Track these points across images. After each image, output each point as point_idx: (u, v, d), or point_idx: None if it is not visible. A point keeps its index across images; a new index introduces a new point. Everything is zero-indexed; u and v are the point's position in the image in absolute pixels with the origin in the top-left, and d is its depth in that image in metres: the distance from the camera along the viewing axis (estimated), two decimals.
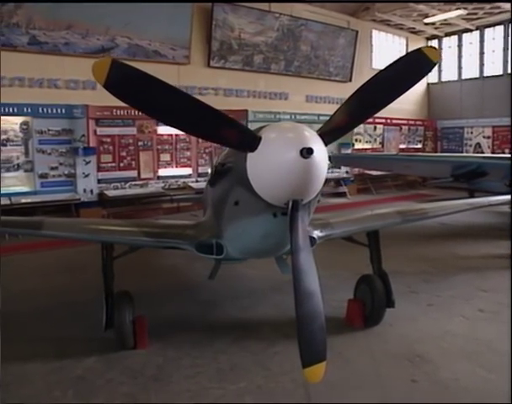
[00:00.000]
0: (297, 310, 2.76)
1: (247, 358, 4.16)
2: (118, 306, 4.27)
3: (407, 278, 6.45)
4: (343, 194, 15.47)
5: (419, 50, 3.04)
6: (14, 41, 9.99)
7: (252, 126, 13.49)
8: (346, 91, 16.67)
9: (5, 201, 9.61)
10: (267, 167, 2.76)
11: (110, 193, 11.48)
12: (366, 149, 16.72)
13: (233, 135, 2.84)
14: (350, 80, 16.08)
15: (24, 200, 9.96)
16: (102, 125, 11.45)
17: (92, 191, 11.29)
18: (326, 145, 2.93)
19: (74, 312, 5.29)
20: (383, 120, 17.04)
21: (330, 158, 10.43)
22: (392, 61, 3.14)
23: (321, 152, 2.74)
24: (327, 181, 15.72)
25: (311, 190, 2.83)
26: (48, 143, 10.60)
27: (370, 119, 16.59)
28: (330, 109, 15.33)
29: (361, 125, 16.54)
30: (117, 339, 4.29)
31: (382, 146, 17.35)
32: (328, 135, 2.95)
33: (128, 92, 2.69)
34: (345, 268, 6.46)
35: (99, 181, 11.52)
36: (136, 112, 11.83)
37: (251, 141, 2.82)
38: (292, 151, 2.61)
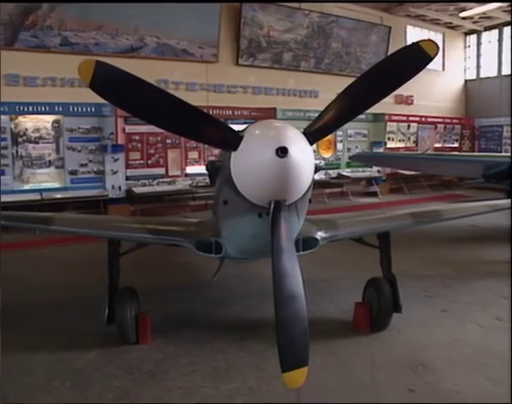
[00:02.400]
0: (277, 313, 2.70)
1: (244, 359, 4.14)
2: (120, 302, 4.34)
3: (425, 281, 6.25)
4: (374, 194, 15.16)
5: (417, 43, 2.91)
6: (47, 43, 10.38)
7: None
8: None
9: (36, 196, 10.04)
10: (247, 166, 2.72)
11: (138, 189, 11.70)
12: (399, 148, 16.25)
13: (215, 133, 2.82)
14: None
15: (54, 196, 10.33)
16: (130, 123, 11.66)
17: (120, 188, 11.54)
18: (311, 144, 2.85)
19: (87, 306, 5.41)
20: (417, 119, 16.52)
21: (352, 157, 10.22)
22: (387, 56, 3.03)
23: (301, 152, 2.66)
24: (358, 180, 15.46)
25: (292, 190, 2.75)
26: (78, 141, 10.93)
27: (404, 118, 16.18)
28: None
29: (394, 124, 16.14)
30: (119, 334, 4.36)
31: (416, 145, 16.79)
32: (313, 134, 2.87)
33: (112, 92, 2.72)
34: (363, 269, 6.29)
35: (128, 178, 11.75)
36: None
37: (233, 140, 2.79)
38: (268, 151, 2.56)
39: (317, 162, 3.26)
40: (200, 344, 4.43)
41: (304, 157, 2.69)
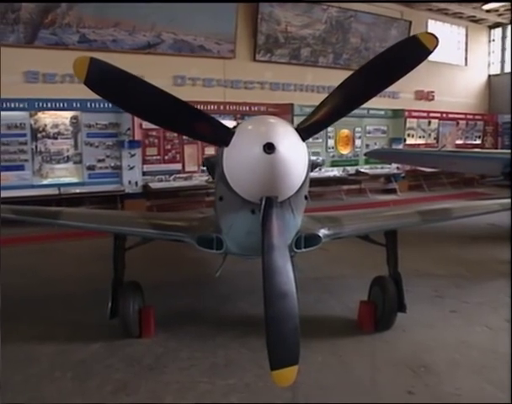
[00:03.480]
0: (267, 310, 2.69)
1: (244, 355, 4.13)
2: (124, 296, 4.40)
3: (436, 280, 6.13)
4: (393, 191, 14.94)
5: (415, 36, 2.83)
6: (66, 40, 10.57)
7: (298, 120, 13.15)
8: (399, 84, 15.83)
9: (54, 191, 10.24)
10: (237, 162, 2.72)
11: (154, 185, 11.80)
12: (419, 144, 15.94)
13: (207, 129, 2.83)
14: None
15: (72, 191, 10.52)
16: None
17: (136, 183, 11.66)
18: (304, 140, 2.81)
19: (96, 299, 5.44)
20: (438, 115, 16.17)
21: (368, 153, 10.03)
22: (384, 50, 2.97)
23: (290, 148, 2.62)
24: (377, 177, 15.23)
25: (282, 187, 2.72)
26: (95, 136, 11.09)
27: (424, 114, 15.85)
28: (381, 103, 14.95)
29: (414, 120, 15.84)
30: (121, 327, 4.42)
31: (437, 141, 16.43)
32: (307, 130, 2.83)
33: (106, 88, 2.76)
34: (375, 267, 6.18)
35: (144, 173, 11.86)
36: None
37: (225, 136, 2.79)
38: (256, 147, 2.54)
39: (314, 158, 3.24)
40: (201, 339, 4.45)
41: (294, 154, 2.66)
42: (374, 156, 12.76)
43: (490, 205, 5.23)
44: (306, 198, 3.25)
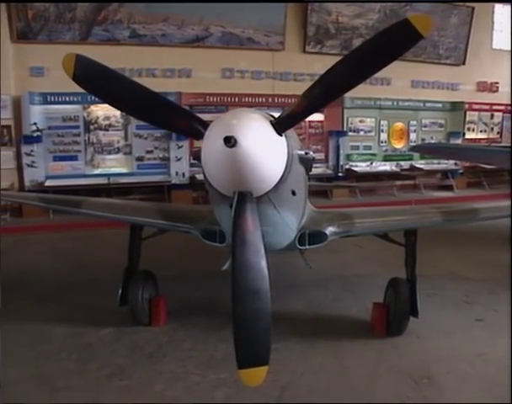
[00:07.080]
0: (235, 308, 2.63)
1: None
2: (133, 285, 4.53)
3: (470, 285, 5.75)
4: (449, 188, 14.15)
5: (406, 19, 2.58)
6: (118, 36, 10.99)
7: (349, 113, 12.68)
8: (459, 75, 15.02)
9: (104, 181, 10.75)
10: (208, 155, 2.68)
11: (200, 176, 11.96)
12: (480, 139, 14.89)
13: (184, 122, 2.84)
14: (464, 63, 14.38)
15: (120, 181, 10.97)
16: (195, 111, 11.98)
17: (183, 174, 11.89)
18: (281, 133, 2.71)
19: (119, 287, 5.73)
20: (503, 107, 14.97)
21: (413, 148, 9.48)
22: (372, 36, 2.76)
23: (258, 142, 2.53)
24: (433, 172, 14.42)
25: (252, 182, 2.63)
26: (144, 128, 11.37)
27: (487, 106, 14.80)
28: (439, 95, 14.12)
29: (475, 113, 14.82)
30: (131, 315, 4.56)
31: (500, 136, 15.25)
32: (283, 122, 2.72)
33: (91, 83, 2.87)
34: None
35: (192, 165, 12.05)
36: (230, 98, 12.28)
37: (200, 129, 2.76)
38: (218, 140, 2.48)
39: (302, 152, 3.09)
40: (207, 332, 4.49)
41: (263, 147, 2.56)
42: (420, 151, 12.08)
43: None
44: (293, 193, 3.15)
